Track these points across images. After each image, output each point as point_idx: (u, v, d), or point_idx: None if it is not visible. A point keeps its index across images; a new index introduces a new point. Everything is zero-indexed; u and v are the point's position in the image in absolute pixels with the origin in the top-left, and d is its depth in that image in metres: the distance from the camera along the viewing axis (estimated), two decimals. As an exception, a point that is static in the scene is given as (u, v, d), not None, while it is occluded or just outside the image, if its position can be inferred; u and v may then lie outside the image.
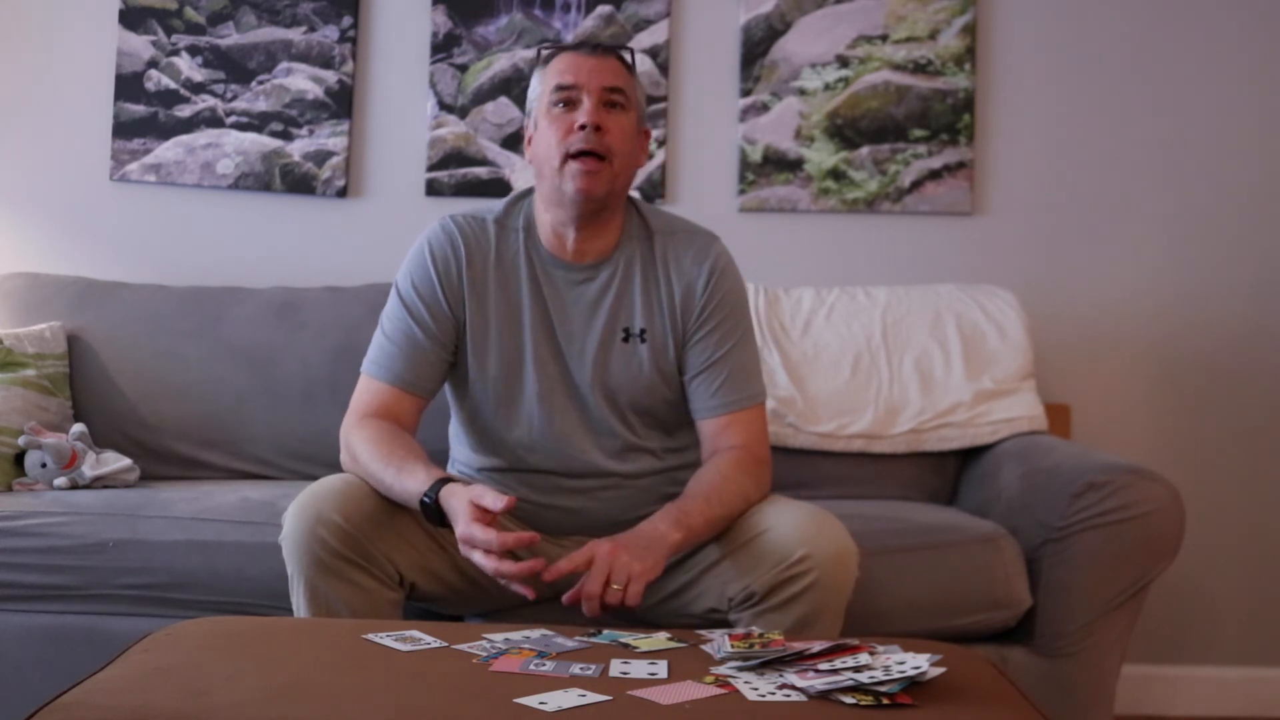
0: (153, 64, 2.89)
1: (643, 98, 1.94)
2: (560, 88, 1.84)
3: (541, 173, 1.89)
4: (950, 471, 2.59)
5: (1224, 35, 2.91)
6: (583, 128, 1.81)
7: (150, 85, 2.89)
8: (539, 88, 1.90)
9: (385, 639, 1.49)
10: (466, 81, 2.90)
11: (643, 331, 1.90)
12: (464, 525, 1.63)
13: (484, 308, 1.90)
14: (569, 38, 2.89)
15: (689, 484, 1.83)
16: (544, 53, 1.93)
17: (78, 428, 2.36)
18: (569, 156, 1.82)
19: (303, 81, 2.89)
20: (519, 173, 2.88)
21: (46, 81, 2.91)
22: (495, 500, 1.63)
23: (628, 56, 1.92)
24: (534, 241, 1.93)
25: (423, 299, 1.90)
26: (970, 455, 2.57)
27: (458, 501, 1.66)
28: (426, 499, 1.69)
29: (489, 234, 1.93)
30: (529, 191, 1.97)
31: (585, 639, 1.51)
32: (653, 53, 2.89)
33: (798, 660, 1.38)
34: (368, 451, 1.79)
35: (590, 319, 1.90)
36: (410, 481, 1.72)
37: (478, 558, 1.63)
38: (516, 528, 1.90)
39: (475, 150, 2.89)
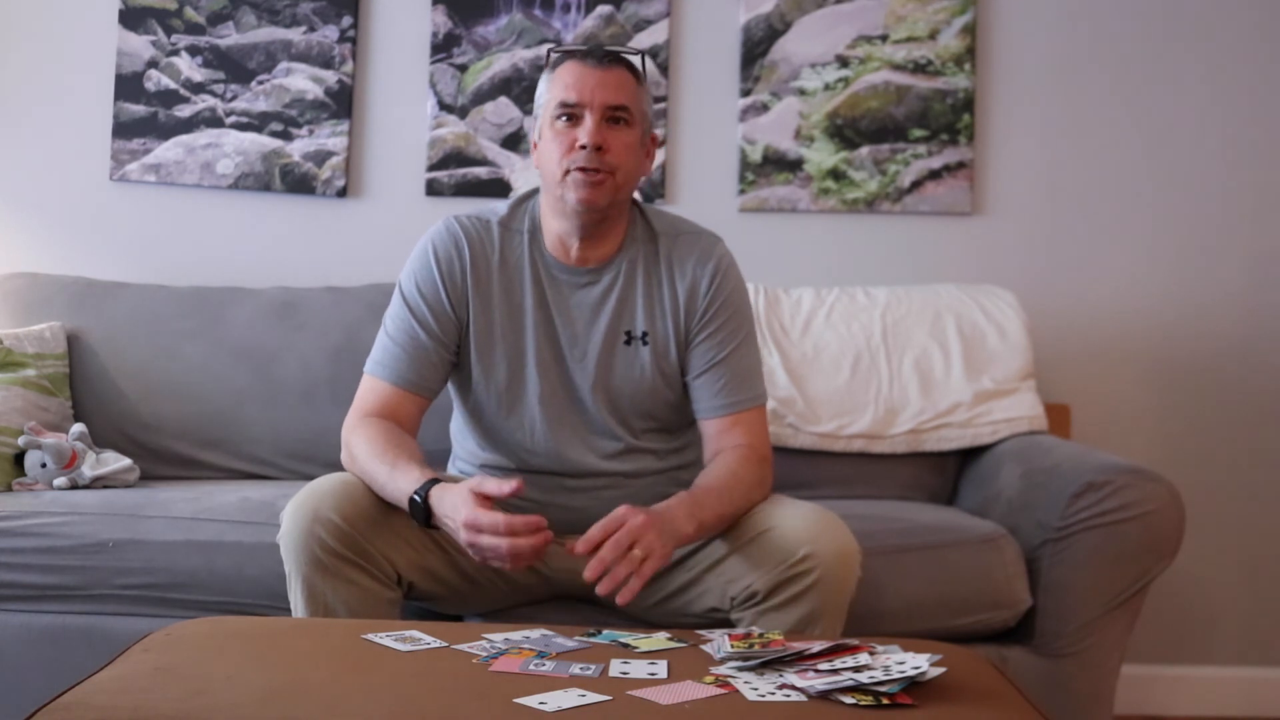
0: (153, 64, 2.89)
1: (649, 106, 1.92)
2: (564, 104, 1.83)
3: (545, 183, 1.89)
4: (950, 471, 2.59)
5: (1224, 36, 2.91)
6: (583, 147, 1.81)
7: (150, 85, 2.89)
8: (545, 95, 1.88)
9: (385, 639, 1.49)
10: (466, 81, 2.90)
11: (644, 334, 1.90)
12: (468, 511, 1.62)
13: (488, 309, 1.90)
14: (569, 38, 2.89)
15: (700, 479, 1.82)
16: (552, 56, 1.91)
17: (78, 428, 2.36)
18: (570, 170, 1.82)
19: (303, 81, 2.89)
20: (519, 173, 2.88)
21: (46, 81, 2.91)
22: (498, 486, 1.63)
23: (637, 62, 1.91)
24: (538, 244, 1.93)
25: (426, 299, 1.90)
26: (970, 455, 2.57)
27: (454, 494, 1.65)
28: (416, 496, 1.69)
29: (493, 235, 1.93)
30: (533, 193, 1.97)
31: (585, 639, 1.51)
32: (653, 53, 2.89)
33: (797, 660, 1.38)
34: (365, 450, 1.79)
35: (592, 322, 1.90)
36: (403, 480, 1.72)
37: (486, 540, 1.60)
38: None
39: (475, 150, 2.89)
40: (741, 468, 1.83)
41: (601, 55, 1.87)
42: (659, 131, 2.87)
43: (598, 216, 1.86)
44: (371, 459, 1.77)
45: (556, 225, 1.90)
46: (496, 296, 1.90)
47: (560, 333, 1.90)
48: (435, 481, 1.70)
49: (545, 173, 1.87)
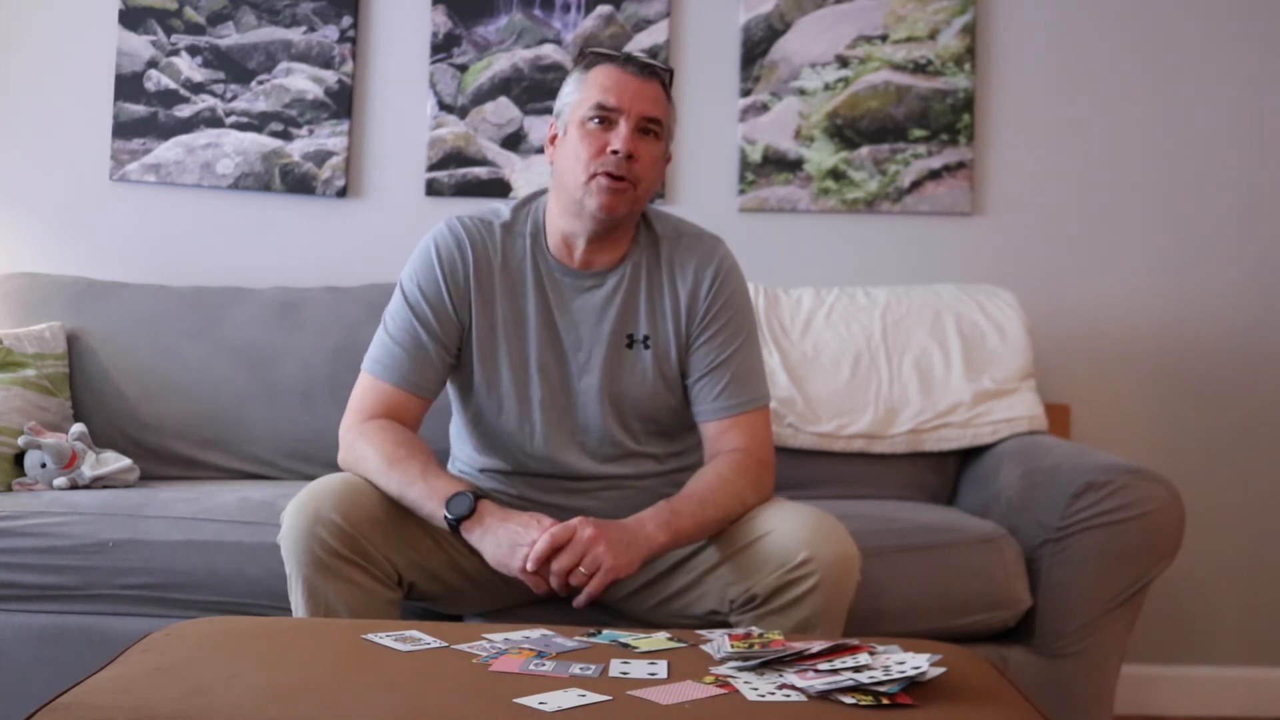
0: (153, 64, 2.89)
1: (673, 123, 1.94)
2: (601, 106, 1.83)
3: (563, 182, 1.87)
4: (950, 471, 2.59)
5: (1223, 36, 2.91)
6: (615, 152, 1.81)
7: (150, 85, 2.89)
8: (576, 94, 1.86)
9: (385, 639, 1.49)
10: (466, 81, 2.90)
11: (646, 338, 1.90)
12: (550, 519, 1.70)
13: (489, 312, 1.90)
14: (569, 38, 2.89)
15: (687, 485, 1.83)
16: (588, 55, 1.90)
17: (77, 428, 2.36)
18: (596, 174, 1.82)
19: (303, 81, 2.89)
20: (519, 173, 2.88)
21: (46, 81, 2.91)
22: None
23: (668, 79, 1.91)
24: (540, 248, 1.92)
25: (428, 300, 1.89)
26: (970, 455, 2.57)
27: (525, 514, 1.73)
28: (465, 493, 1.72)
29: (496, 238, 1.92)
30: (535, 196, 1.96)
31: (585, 639, 1.51)
32: (653, 53, 2.89)
33: (797, 660, 1.38)
34: (377, 453, 1.79)
35: (596, 326, 1.90)
36: (439, 482, 1.75)
37: (564, 560, 1.67)
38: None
39: (475, 150, 2.89)
40: (732, 473, 1.82)
41: (641, 65, 1.87)
42: (659, 131, 2.88)
43: (613, 224, 1.86)
44: (386, 461, 1.77)
45: (565, 225, 1.89)
46: (499, 299, 1.90)
47: (564, 336, 1.90)
48: (482, 494, 1.75)
49: (566, 172, 1.85)
